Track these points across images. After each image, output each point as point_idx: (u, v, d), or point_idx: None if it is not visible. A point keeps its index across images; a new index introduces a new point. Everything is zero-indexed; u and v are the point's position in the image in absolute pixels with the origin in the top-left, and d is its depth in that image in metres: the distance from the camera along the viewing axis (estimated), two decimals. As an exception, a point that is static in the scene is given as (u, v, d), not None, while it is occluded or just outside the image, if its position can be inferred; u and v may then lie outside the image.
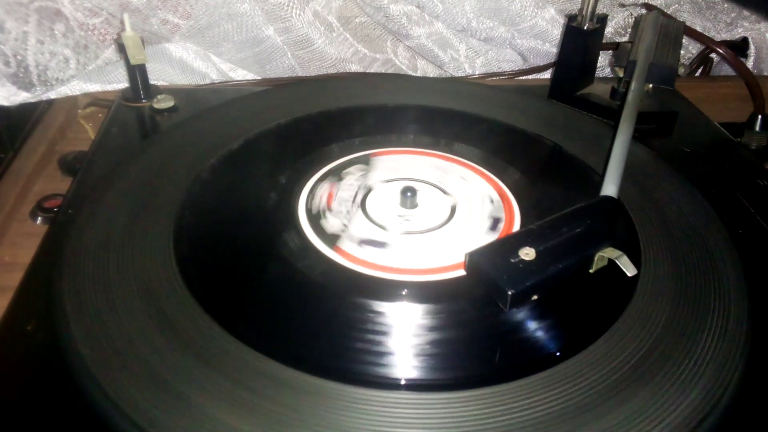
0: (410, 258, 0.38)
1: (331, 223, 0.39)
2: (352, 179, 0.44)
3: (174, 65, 0.66)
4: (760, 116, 0.58)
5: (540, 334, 0.33)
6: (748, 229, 0.43)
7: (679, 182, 0.45)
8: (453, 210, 0.42)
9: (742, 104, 0.62)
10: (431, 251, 0.38)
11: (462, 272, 0.36)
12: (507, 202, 0.43)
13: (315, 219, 0.39)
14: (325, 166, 0.46)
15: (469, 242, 0.39)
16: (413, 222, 0.41)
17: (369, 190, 0.43)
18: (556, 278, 0.33)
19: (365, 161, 0.46)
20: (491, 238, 0.40)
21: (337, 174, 0.44)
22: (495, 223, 0.41)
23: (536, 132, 0.51)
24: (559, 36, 0.69)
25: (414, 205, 0.42)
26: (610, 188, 0.38)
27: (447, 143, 0.50)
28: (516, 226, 0.41)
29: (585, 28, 0.56)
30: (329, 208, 0.40)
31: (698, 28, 0.74)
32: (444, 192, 0.44)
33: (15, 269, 0.39)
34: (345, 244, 0.38)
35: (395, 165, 0.46)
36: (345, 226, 0.39)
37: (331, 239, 0.38)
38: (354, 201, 0.42)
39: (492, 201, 0.43)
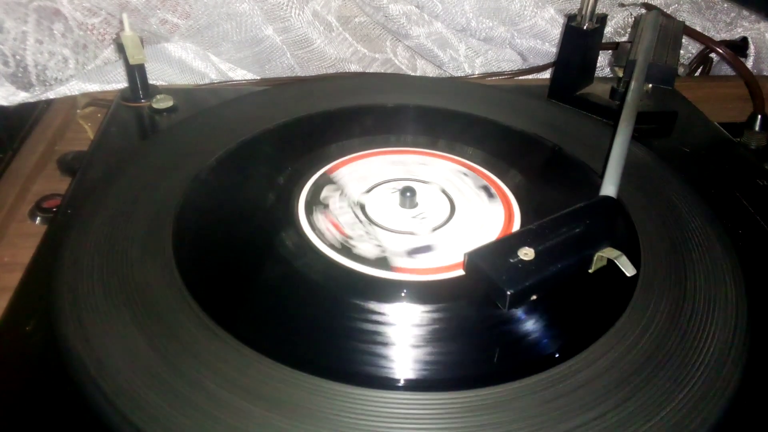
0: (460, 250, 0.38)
1: (365, 249, 0.38)
2: (336, 202, 0.42)
3: (173, 65, 0.65)
4: (759, 116, 0.58)
5: (539, 334, 0.33)
6: (747, 229, 0.43)
7: (678, 182, 0.45)
8: (446, 193, 0.43)
9: (741, 104, 0.62)
10: (469, 236, 0.39)
11: (461, 272, 0.36)
12: (506, 202, 0.43)
13: (346, 251, 0.37)
14: (323, 166, 0.46)
15: (483, 218, 0.42)
16: (430, 217, 0.41)
17: (363, 205, 0.42)
18: (555, 278, 0.33)
19: (329, 180, 0.44)
20: (497, 207, 0.42)
21: (318, 203, 0.42)
22: (487, 190, 0.43)
23: (535, 132, 0.51)
24: (558, 36, 0.69)
25: (415, 204, 0.42)
26: (609, 188, 0.38)
27: (447, 144, 0.50)
28: (515, 227, 0.41)
29: (584, 27, 0.56)
30: (348, 237, 0.39)
31: (698, 28, 0.74)
32: (423, 181, 0.44)
33: (14, 269, 0.39)
34: (397, 261, 0.37)
35: (359, 173, 0.46)
36: (380, 246, 0.38)
37: (381, 262, 0.37)
38: (361, 220, 0.41)
39: (466, 174, 0.45)
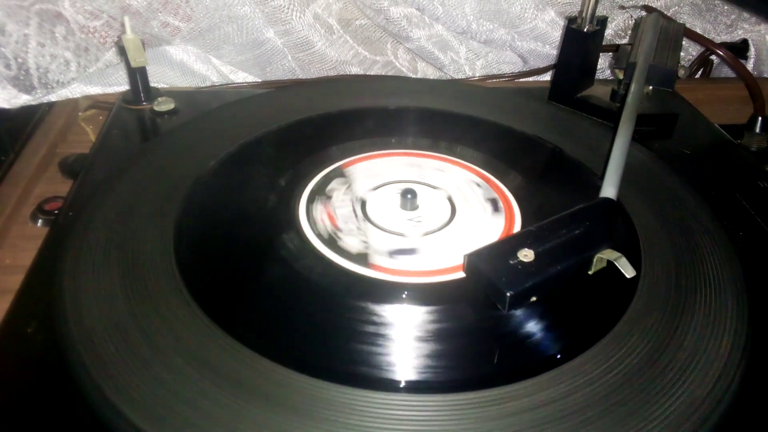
0: (443, 257, 0.38)
1: (350, 244, 0.38)
2: (340, 195, 0.43)
3: (174, 68, 0.66)
4: (759, 118, 0.58)
5: (539, 336, 0.33)
6: (748, 231, 0.43)
7: (679, 184, 0.45)
8: (451, 201, 0.43)
9: (742, 106, 0.62)
10: (457, 246, 0.39)
11: (461, 274, 0.36)
12: (507, 203, 0.43)
13: (331, 242, 0.38)
14: (324, 168, 0.46)
15: (481, 230, 0.41)
16: (425, 222, 0.41)
17: (364, 201, 0.43)
18: (555, 280, 0.33)
19: (340, 174, 0.45)
20: (498, 220, 0.41)
21: (322, 194, 0.43)
22: (494, 204, 0.43)
23: (536, 134, 0.51)
24: (559, 38, 0.69)
25: (415, 207, 0.42)
26: (609, 190, 0.38)
27: (447, 146, 0.50)
28: (515, 228, 0.41)
29: (585, 30, 0.56)
30: (338, 229, 0.39)
31: (698, 30, 0.74)
32: (432, 187, 0.44)
33: (15, 271, 0.39)
34: (377, 259, 0.37)
35: (373, 171, 0.46)
36: (365, 242, 0.39)
37: (361, 258, 0.37)
38: (357, 215, 0.41)
39: (479, 185, 0.44)
